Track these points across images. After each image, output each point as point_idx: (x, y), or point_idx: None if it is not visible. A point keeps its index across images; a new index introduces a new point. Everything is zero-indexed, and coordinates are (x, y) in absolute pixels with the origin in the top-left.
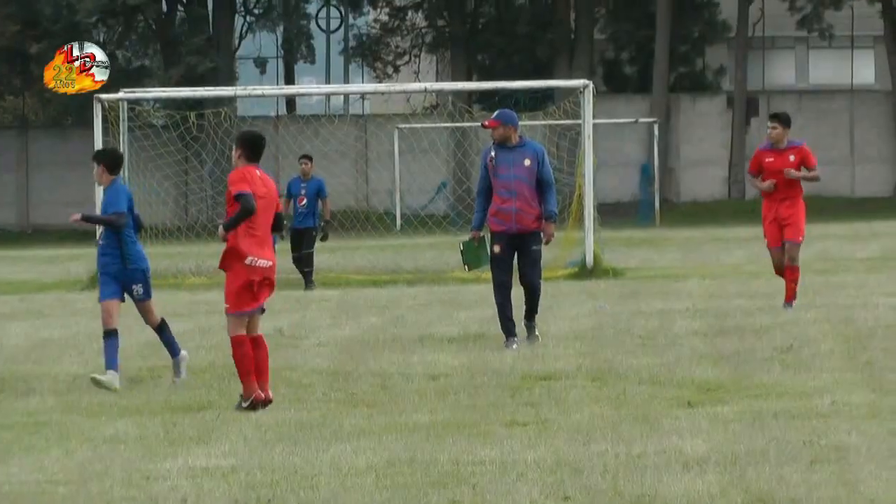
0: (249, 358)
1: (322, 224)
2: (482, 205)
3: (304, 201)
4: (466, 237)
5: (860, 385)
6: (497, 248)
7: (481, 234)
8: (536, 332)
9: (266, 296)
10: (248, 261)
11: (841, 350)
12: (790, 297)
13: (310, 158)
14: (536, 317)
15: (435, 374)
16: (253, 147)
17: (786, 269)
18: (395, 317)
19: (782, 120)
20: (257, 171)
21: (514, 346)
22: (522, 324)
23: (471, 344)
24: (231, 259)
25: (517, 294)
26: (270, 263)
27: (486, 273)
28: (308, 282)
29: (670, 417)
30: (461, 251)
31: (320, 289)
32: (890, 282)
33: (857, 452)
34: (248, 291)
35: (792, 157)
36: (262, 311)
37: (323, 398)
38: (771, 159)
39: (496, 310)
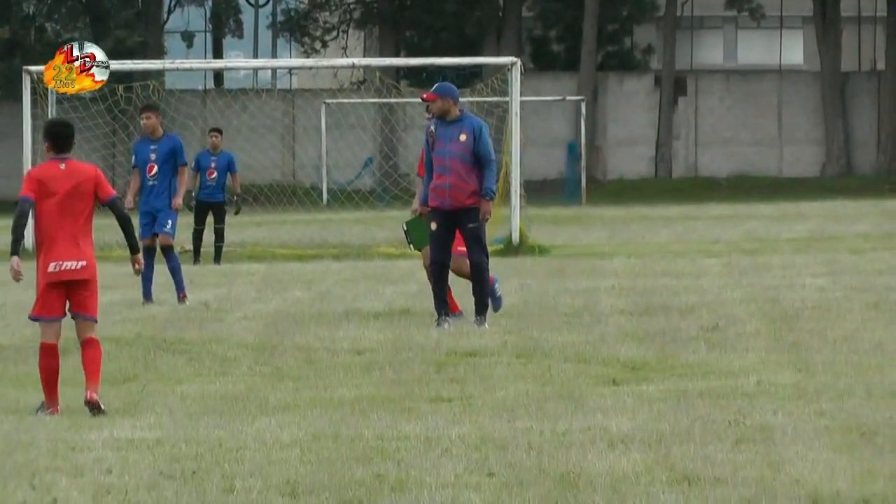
0: (51, 371)
1: (234, 198)
2: (428, 180)
3: (215, 174)
4: (406, 216)
5: (786, 365)
6: (434, 225)
7: (428, 209)
8: (486, 324)
9: (82, 301)
10: (51, 267)
11: (767, 330)
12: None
13: (219, 132)
14: (486, 311)
15: (360, 349)
16: (55, 138)
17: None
18: (321, 291)
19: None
20: (61, 165)
21: (446, 325)
22: (473, 320)
23: (396, 319)
24: (39, 261)
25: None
26: (79, 265)
27: (416, 251)
28: (218, 256)
29: (595, 395)
30: (405, 231)
31: (247, 262)
32: (816, 263)
33: (782, 433)
34: (49, 296)
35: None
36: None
37: (248, 372)
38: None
39: (431, 289)
